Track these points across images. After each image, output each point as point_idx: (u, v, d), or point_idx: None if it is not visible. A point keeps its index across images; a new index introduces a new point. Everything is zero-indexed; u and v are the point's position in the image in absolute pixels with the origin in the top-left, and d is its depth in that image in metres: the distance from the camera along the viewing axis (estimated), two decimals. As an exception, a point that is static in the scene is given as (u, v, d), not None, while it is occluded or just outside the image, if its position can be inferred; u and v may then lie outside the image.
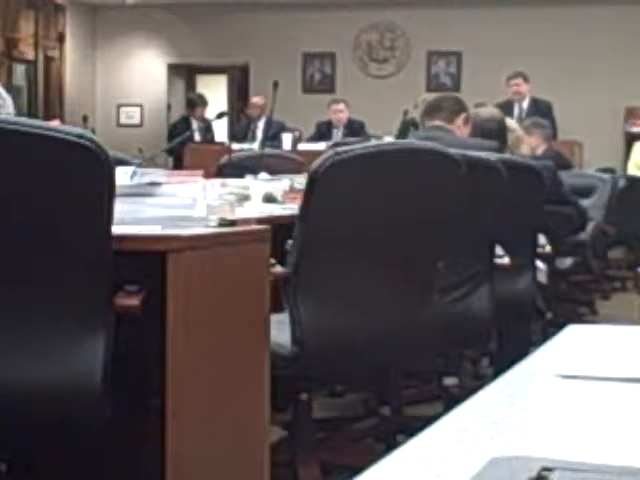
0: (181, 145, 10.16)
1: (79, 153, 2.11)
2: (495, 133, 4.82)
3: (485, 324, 3.61)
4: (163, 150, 10.09)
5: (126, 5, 13.43)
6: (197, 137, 11.09)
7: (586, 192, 6.52)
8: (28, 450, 2.59)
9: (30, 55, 12.49)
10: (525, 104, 9.59)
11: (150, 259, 2.18)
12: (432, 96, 5.52)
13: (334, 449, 3.64)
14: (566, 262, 6.01)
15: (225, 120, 12.02)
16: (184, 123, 11.42)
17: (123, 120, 13.93)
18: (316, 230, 2.79)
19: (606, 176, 7.33)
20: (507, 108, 8.44)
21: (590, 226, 6.23)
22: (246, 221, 2.62)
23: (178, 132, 11.24)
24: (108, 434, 2.34)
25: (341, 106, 10.62)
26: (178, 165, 10.10)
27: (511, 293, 3.92)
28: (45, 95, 12.82)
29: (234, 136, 10.13)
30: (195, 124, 11.32)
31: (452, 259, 3.20)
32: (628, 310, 6.52)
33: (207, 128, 11.24)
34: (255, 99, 11.08)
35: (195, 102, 11.61)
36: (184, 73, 14.70)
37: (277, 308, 2.81)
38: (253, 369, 2.55)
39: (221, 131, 12.42)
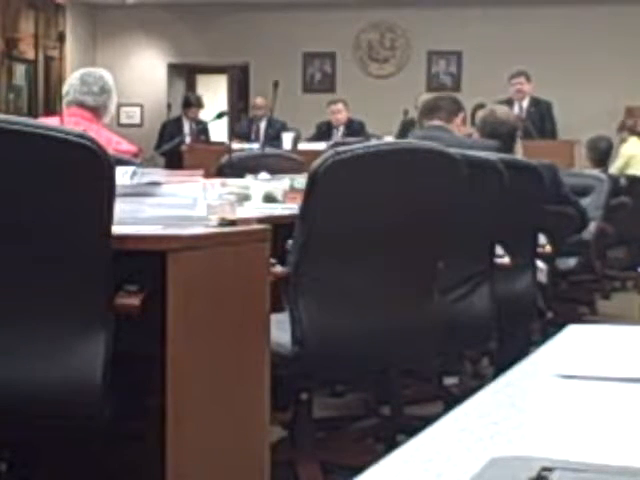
0: (174, 148, 10.14)
1: (79, 153, 2.11)
2: (505, 137, 4.82)
3: (485, 324, 3.61)
4: (160, 152, 10.11)
5: (126, 5, 13.43)
6: (188, 139, 10.97)
7: (583, 192, 6.51)
8: (28, 450, 2.59)
9: (30, 55, 12.48)
10: (525, 103, 9.59)
11: (150, 259, 2.19)
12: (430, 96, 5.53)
13: (334, 449, 3.64)
14: (570, 262, 6.01)
15: (225, 120, 11.99)
16: (175, 123, 11.37)
17: (123, 120, 13.91)
18: (316, 230, 2.79)
19: (603, 176, 7.32)
20: (507, 106, 8.44)
21: (592, 226, 6.23)
22: (246, 221, 2.62)
23: (168, 132, 11.20)
24: (108, 434, 2.34)
25: (339, 106, 10.61)
26: (172, 166, 10.06)
27: (511, 293, 3.92)
28: (45, 95, 12.82)
29: (236, 136, 10.11)
30: (187, 125, 11.23)
31: (452, 259, 3.20)
32: (628, 310, 6.52)
33: (202, 130, 11.12)
34: (258, 99, 11.07)
35: (191, 102, 11.50)
36: (184, 73, 14.70)
37: (277, 308, 2.81)
38: (253, 369, 2.55)
39: (221, 131, 12.41)
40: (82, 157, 2.11)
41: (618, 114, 12.51)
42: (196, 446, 2.30)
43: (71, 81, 4.68)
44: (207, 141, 10.95)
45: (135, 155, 4.81)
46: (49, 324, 2.17)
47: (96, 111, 4.65)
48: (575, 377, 1.05)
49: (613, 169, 9.41)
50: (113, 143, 4.65)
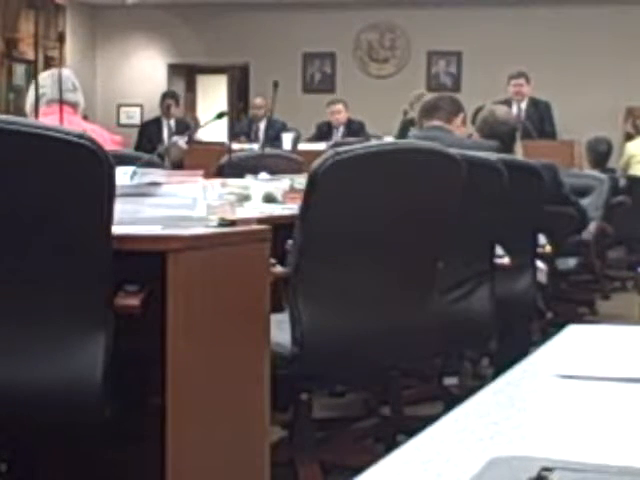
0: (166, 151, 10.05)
1: (79, 153, 2.11)
2: (505, 137, 4.83)
3: (485, 324, 3.61)
4: (145, 160, 10.04)
5: (126, 5, 13.43)
6: (166, 140, 10.72)
7: (583, 192, 6.52)
8: (28, 450, 2.59)
9: (30, 55, 12.48)
10: (524, 104, 9.58)
11: (150, 259, 2.19)
12: (427, 94, 5.53)
13: (334, 449, 3.64)
14: (569, 262, 6.01)
15: (225, 120, 11.97)
16: (154, 124, 11.25)
17: (123, 120, 13.92)
18: (316, 230, 2.79)
19: (602, 176, 7.33)
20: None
21: (592, 226, 6.23)
22: (246, 221, 2.62)
23: (147, 133, 11.10)
24: (108, 434, 2.34)
25: (339, 107, 10.60)
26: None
27: (511, 293, 3.92)
28: (45, 95, 12.80)
29: (235, 136, 10.09)
30: (166, 126, 11.11)
31: (452, 259, 3.20)
32: (628, 310, 6.52)
33: (184, 130, 10.76)
34: (258, 100, 11.06)
35: (167, 100, 11.33)
36: (184, 73, 14.70)
37: (277, 308, 2.81)
38: (253, 369, 2.55)
39: (221, 131, 12.41)
40: (82, 157, 2.11)
41: (618, 114, 12.52)
42: (196, 446, 2.30)
43: (43, 82, 4.74)
44: (190, 141, 10.74)
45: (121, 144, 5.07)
46: (49, 324, 2.17)
47: (76, 107, 4.76)
48: (575, 377, 1.05)
49: (618, 167, 9.47)
50: (106, 135, 4.75)
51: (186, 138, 9.73)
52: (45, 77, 4.82)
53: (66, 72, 4.93)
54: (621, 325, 1.39)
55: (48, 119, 4.33)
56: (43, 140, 2.10)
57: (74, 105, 4.79)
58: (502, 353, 4.37)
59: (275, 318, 2.68)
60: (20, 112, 11.69)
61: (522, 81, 9.61)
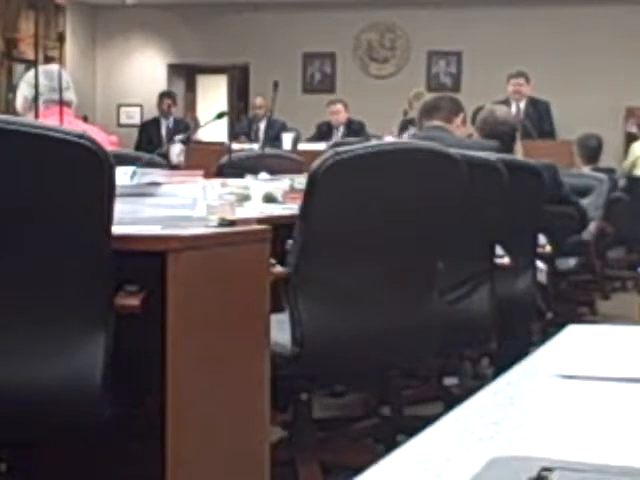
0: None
1: (79, 153, 2.11)
2: (505, 137, 4.83)
3: (485, 324, 3.61)
4: (145, 160, 9.99)
5: (126, 5, 13.43)
6: (164, 138, 10.73)
7: (582, 192, 6.52)
8: (28, 450, 2.59)
9: (30, 55, 12.48)
10: (522, 104, 9.57)
11: (150, 259, 2.18)
12: (425, 92, 5.53)
13: (334, 449, 3.64)
14: (569, 262, 6.01)
15: (225, 120, 11.95)
16: (153, 124, 11.25)
17: (123, 120, 13.92)
18: (316, 230, 2.79)
19: (602, 176, 7.33)
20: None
21: (592, 226, 6.23)
22: (246, 221, 2.62)
23: (147, 133, 11.10)
24: (108, 434, 2.34)
25: (339, 107, 10.60)
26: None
27: (511, 293, 3.92)
28: (45, 95, 12.80)
29: (236, 136, 10.08)
30: (164, 125, 11.11)
31: (452, 259, 3.20)
32: (628, 310, 6.52)
33: (183, 129, 10.77)
34: (258, 100, 11.06)
35: (163, 99, 11.34)
36: (184, 73, 14.70)
37: (277, 308, 2.81)
38: (253, 369, 2.55)
39: (221, 131, 12.40)
40: (82, 157, 2.11)
41: (618, 114, 12.52)
42: (196, 446, 2.30)
43: (39, 81, 4.71)
44: (188, 139, 10.75)
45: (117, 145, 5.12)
46: (49, 324, 2.17)
47: (71, 106, 4.76)
48: (575, 377, 1.05)
49: (620, 167, 9.45)
50: (103, 136, 4.74)
51: (182, 137, 9.73)
52: (40, 76, 4.77)
53: (57, 69, 4.90)
54: (621, 325, 1.39)
55: (48, 120, 4.32)
56: (43, 140, 2.10)
57: (68, 103, 4.79)
58: (502, 353, 4.37)
59: (275, 318, 2.68)
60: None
61: (522, 81, 9.60)
